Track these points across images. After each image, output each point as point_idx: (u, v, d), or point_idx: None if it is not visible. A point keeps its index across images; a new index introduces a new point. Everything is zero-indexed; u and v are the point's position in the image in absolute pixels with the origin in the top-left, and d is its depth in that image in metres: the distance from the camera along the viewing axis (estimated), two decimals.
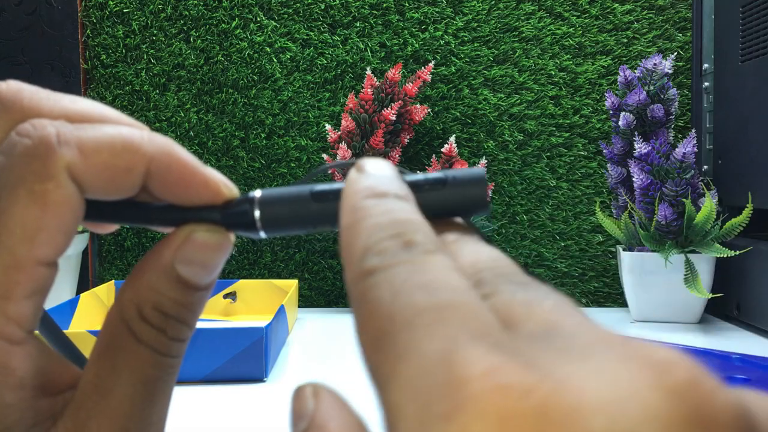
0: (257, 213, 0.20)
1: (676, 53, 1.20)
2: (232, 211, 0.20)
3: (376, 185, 0.18)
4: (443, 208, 0.19)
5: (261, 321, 0.99)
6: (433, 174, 0.20)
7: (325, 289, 1.29)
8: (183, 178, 0.19)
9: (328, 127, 1.20)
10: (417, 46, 1.26)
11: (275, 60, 1.27)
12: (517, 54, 1.25)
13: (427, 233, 0.17)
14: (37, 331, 0.19)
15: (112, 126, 0.19)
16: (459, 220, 0.20)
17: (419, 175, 0.20)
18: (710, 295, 0.98)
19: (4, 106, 0.19)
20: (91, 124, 0.19)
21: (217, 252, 0.20)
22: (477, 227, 0.20)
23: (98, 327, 1.08)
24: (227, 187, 0.20)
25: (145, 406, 0.19)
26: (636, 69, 1.13)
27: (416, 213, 0.17)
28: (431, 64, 1.20)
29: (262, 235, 0.20)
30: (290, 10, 1.27)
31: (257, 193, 0.20)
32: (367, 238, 0.16)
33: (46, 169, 0.17)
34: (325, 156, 1.22)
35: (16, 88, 0.19)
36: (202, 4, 1.27)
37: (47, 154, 0.17)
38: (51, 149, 0.18)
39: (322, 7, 1.26)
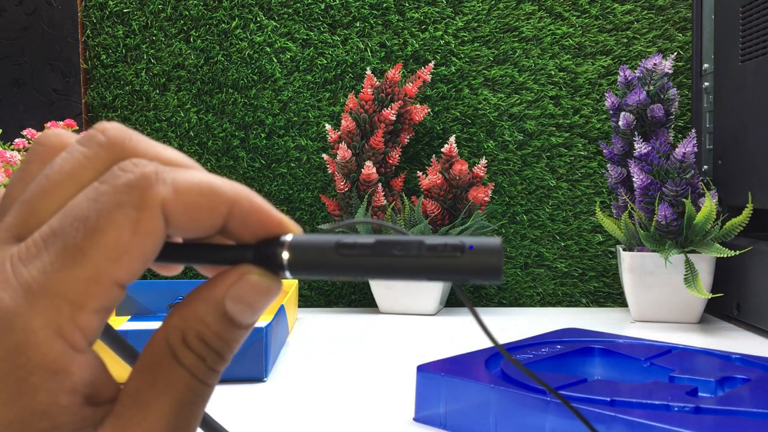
0: (285, 255, 0.22)
1: (676, 53, 1.20)
2: (264, 252, 0.22)
3: None
4: (457, 274, 0.21)
5: (261, 321, 0.99)
6: (452, 239, 0.21)
7: (325, 289, 1.29)
8: (260, 219, 0.22)
9: (328, 127, 1.20)
10: (417, 46, 1.26)
11: (275, 60, 1.27)
12: (517, 54, 1.25)
13: None
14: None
15: (200, 171, 0.22)
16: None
17: (439, 239, 0.21)
18: (710, 295, 0.98)
19: (110, 143, 0.21)
20: (182, 168, 0.21)
21: (266, 295, 0.22)
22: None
23: None
24: (295, 226, 0.23)
25: (177, 425, 0.21)
26: (636, 69, 1.13)
27: None
28: (431, 64, 1.20)
29: (288, 275, 0.22)
30: (290, 10, 1.27)
31: (288, 237, 0.22)
32: None
33: (143, 201, 0.20)
34: (325, 156, 1.22)
35: (121, 129, 0.22)
36: (202, 4, 1.27)
37: (146, 188, 0.20)
38: (150, 184, 0.20)
39: (322, 7, 1.26)
